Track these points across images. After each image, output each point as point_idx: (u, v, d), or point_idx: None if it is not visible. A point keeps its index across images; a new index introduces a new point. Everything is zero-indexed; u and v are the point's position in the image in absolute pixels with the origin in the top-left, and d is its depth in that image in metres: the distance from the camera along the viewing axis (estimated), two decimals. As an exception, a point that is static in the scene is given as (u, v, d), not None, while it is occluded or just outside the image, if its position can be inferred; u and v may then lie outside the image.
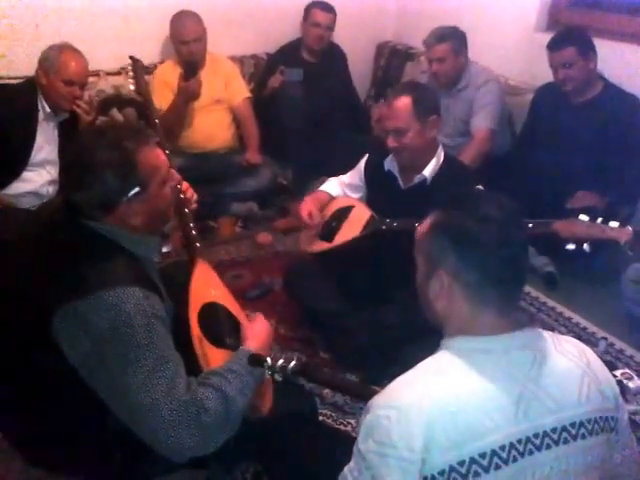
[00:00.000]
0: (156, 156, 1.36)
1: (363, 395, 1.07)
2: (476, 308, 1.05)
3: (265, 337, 1.47)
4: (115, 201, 1.29)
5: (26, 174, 2.66)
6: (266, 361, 1.37)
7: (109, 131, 1.37)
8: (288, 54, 3.77)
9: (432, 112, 2.20)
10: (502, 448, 0.95)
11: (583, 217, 1.90)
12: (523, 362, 1.02)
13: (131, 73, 2.45)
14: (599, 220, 1.88)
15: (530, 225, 1.99)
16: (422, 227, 1.13)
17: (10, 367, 1.34)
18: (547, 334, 1.10)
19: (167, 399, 1.18)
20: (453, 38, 3.18)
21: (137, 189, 1.30)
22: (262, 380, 1.39)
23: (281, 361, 1.36)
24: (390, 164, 2.33)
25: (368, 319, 2.32)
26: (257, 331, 1.47)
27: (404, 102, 2.17)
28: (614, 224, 1.85)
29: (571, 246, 1.90)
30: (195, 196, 1.83)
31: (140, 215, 1.33)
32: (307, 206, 2.48)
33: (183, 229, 1.81)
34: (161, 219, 1.45)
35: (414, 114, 2.16)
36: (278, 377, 1.37)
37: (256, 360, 1.38)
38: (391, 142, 2.22)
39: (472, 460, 0.94)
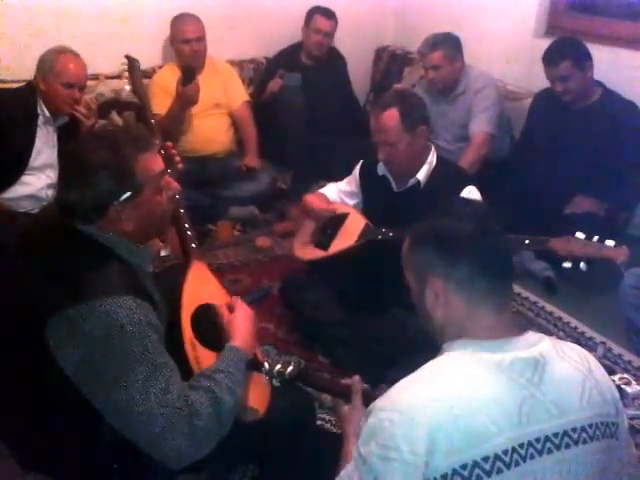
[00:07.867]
0: (153, 163, 1.35)
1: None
2: (472, 305, 1.07)
3: (249, 328, 1.45)
4: (107, 203, 1.29)
5: (25, 178, 2.65)
6: (264, 366, 1.36)
7: (109, 135, 1.38)
8: (287, 58, 3.78)
9: (421, 122, 2.16)
10: (505, 452, 0.95)
11: (579, 235, 1.88)
12: (526, 367, 1.02)
13: (127, 73, 2.44)
14: (595, 238, 1.86)
15: (527, 242, 1.98)
16: (403, 247, 1.17)
17: (6, 372, 1.34)
18: (549, 339, 1.10)
19: (161, 407, 1.18)
20: (446, 44, 3.17)
21: (129, 193, 1.29)
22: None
23: (278, 366, 1.35)
24: (383, 169, 2.31)
25: (366, 329, 2.31)
26: (240, 325, 1.44)
27: (392, 115, 2.12)
28: (610, 243, 1.83)
29: (567, 264, 1.89)
30: (178, 157, 1.79)
31: (132, 221, 1.32)
32: (315, 197, 2.48)
33: (178, 230, 1.80)
34: (155, 227, 1.43)
35: (403, 127, 2.11)
36: (276, 382, 1.36)
37: (254, 365, 1.37)
38: (382, 155, 2.19)
39: (475, 464, 0.93)
